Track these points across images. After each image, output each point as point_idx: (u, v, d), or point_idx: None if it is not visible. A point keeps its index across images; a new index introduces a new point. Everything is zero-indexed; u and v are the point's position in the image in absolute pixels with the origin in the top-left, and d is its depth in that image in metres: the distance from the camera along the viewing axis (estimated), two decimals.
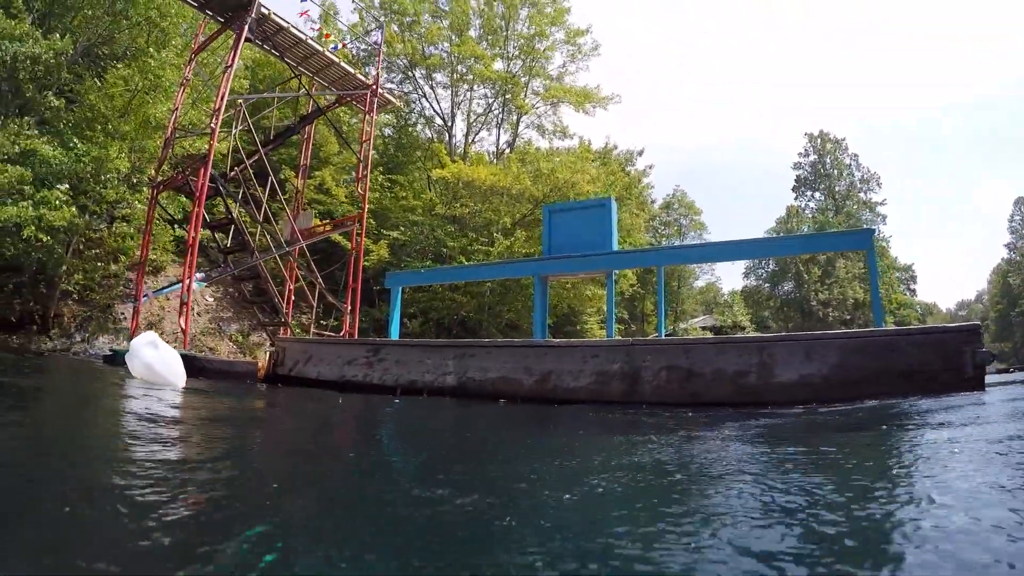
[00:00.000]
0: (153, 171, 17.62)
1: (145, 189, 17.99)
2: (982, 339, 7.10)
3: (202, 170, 14.02)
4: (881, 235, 67.49)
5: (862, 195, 69.14)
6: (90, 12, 18.97)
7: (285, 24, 16.15)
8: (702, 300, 65.48)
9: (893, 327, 8.87)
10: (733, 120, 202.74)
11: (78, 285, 18.38)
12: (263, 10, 15.44)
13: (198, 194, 13.97)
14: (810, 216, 67.28)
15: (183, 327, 13.59)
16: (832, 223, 63.14)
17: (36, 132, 16.22)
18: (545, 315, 13.19)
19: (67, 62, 17.66)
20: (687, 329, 54.04)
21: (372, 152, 20.08)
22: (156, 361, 7.44)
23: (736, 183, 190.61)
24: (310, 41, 17.03)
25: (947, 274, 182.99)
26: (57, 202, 15.37)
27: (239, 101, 17.44)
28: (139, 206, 18.16)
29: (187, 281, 13.79)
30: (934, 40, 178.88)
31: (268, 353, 13.00)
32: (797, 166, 71.11)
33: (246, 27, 15.03)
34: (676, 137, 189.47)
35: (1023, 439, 3.67)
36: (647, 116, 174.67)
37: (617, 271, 17.10)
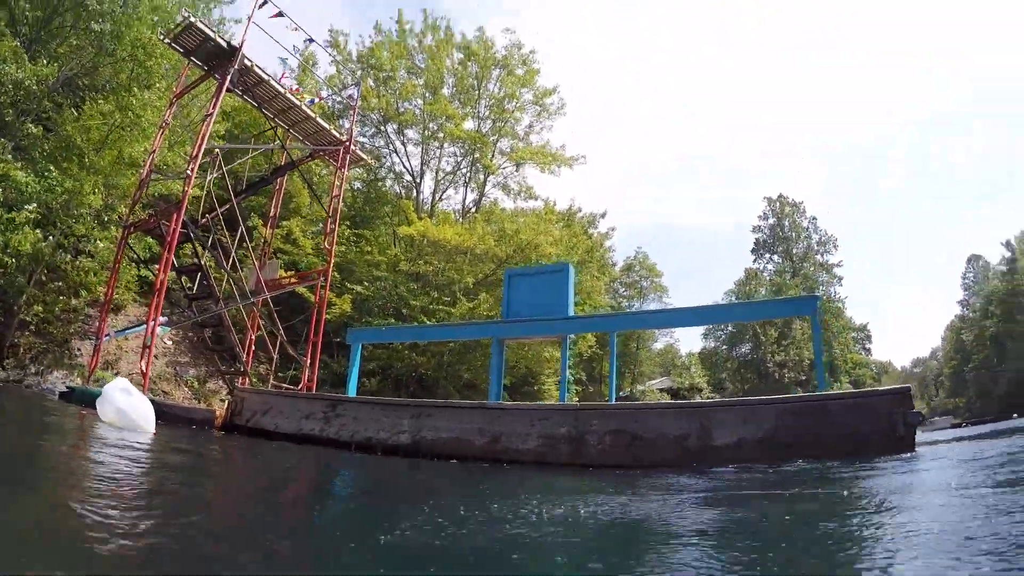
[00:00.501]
0: (125, 210, 17.72)
1: (113, 228, 17.96)
2: (912, 401, 7.56)
3: (175, 215, 14.27)
4: (837, 296, 69.32)
5: (819, 257, 71.14)
6: (75, 42, 19.01)
7: (266, 77, 16.71)
8: (660, 362, 65.98)
9: (826, 392, 9.32)
10: (688, 137, 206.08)
11: (36, 317, 17.90)
12: (246, 62, 16.01)
13: (169, 239, 14.21)
14: (768, 279, 69.11)
15: (143, 370, 13.63)
16: (789, 284, 64.64)
17: (10, 157, 16.02)
18: (501, 377, 13.50)
19: (48, 90, 17.61)
20: (644, 391, 54.48)
21: (341, 205, 20.43)
22: (128, 407, 7.67)
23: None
24: (288, 95, 17.59)
25: (902, 331, 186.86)
26: (24, 224, 15.19)
27: (216, 150, 17.75)
28: (102, 244, 17.83)
29: (151, 324, 13.87)
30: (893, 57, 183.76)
31: (226, 402, 13.06)
32: (756, 229, 73.41)
33: (228, 77, 15.54)
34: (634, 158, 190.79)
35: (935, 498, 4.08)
36: (602, 133, 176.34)
37: (572, 335, 17.55)
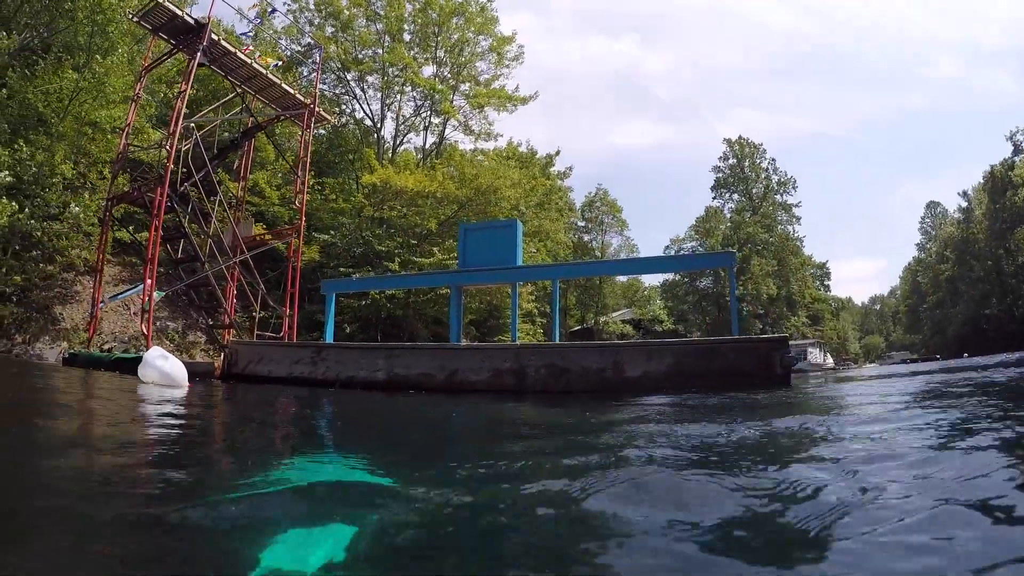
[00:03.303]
0: (96, 176, 18.57)
1: (87, 195, 18.76)
2: (789, 347, 9.32)
3: (159, 189, 15.49)
4: (796, 235, 72.50)
5: (778, 197, 73.39)
6: (27, 8, 19.12)
7: (232, 49, 17.69)
8: (624, 294, 67.95)
9: (719, 338, 11.06)
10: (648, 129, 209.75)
11: (16, 287, 18.32)
12: (213, 36, 17.01)
13: (155, 211, 15.43)
14: (727, 216, 71.23)
15: (145, 332, 15.04)
16: (748, 223, 67.13)
17: None
18: (460, 319, 15.12)
19: (8, 61, 17.96)
20: (607, 322, 56.50)
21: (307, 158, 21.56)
22: (169, 369, 9.39)
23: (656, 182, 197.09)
24: (254, 64, 18.62)
25: (864, 272, 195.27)
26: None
27: (191, 124, 18.67)
28: (77, 209, 18.10)
29: (145, 287, 15.17)
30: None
31: (211, 353, 14.46)
32: (716, 169, 75.00)
33: (199, 53, 16.53)
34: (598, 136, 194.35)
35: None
36: (567, 113, 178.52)
37: (520, 282, 19.20)
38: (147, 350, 11.14)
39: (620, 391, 9.08)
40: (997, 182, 71.60)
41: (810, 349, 57.93)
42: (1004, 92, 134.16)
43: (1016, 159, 67.19)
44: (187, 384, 9.60)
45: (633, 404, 7.35)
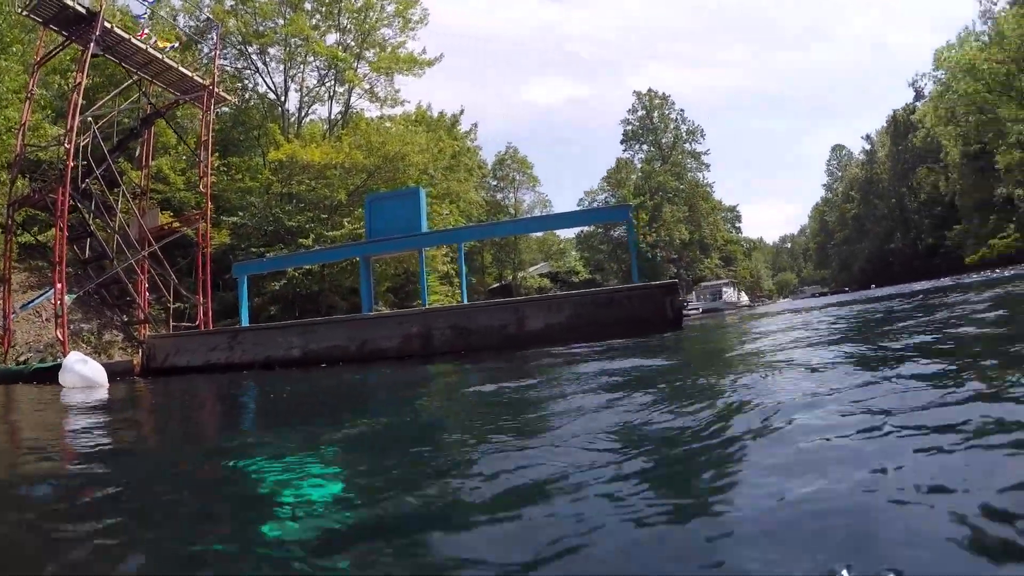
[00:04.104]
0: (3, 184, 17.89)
1: None
2: (679, 292, 9.93)
3: (60, 189, 15.12)
4: (706, 181, 75.89)
5: (687, 146, 75.89)
6: None
7: (127, 36, 17.21)
8: (540, 249, 68.71)
9: (614, 287, 11.66)
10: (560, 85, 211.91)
11: None
12: (106, 24, 16.48)
13: (58, 212, 15.08)
14: (638, 166, 73.06)
15: (60, 337, 14.80)
16: (659, 171, 69.20)
17: None
18: (371, 289, 15.43)
19: None
20: (524, 278, 57.25)
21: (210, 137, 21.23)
22: (89, 372, 9.71)
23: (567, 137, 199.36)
24: (150, 49, 18.15)
25: (776, 212, 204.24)
26: None
27: (89, 118, 18.03)
28: None
29: (55, 291, 14.83)
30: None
31: (129, 350, 14.32)
32: (625, 122, 76.78)
33: (92, 43, 16.03)
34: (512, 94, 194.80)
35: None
36: (483, 74, 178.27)
37: (428, 248, 19.55)
38: (64, 356, 11.13)
39: (525, 345, 9.57)
40: (899, 126, 77.57)
41: (725, 289, 60.44)
42: (915, 45, 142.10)
43: (917, 104, 70.76)
44: (107, 384, 9.84)
45: (533, 356, 7.84)
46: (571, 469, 2.12)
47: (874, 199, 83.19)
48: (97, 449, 4.10)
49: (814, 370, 3.97)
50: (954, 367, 3.58)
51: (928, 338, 5.41)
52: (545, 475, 2.08)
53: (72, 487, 2.75)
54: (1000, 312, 7.25)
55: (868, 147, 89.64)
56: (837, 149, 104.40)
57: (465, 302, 14.77)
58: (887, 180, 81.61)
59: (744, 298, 66.26)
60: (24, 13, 16.86)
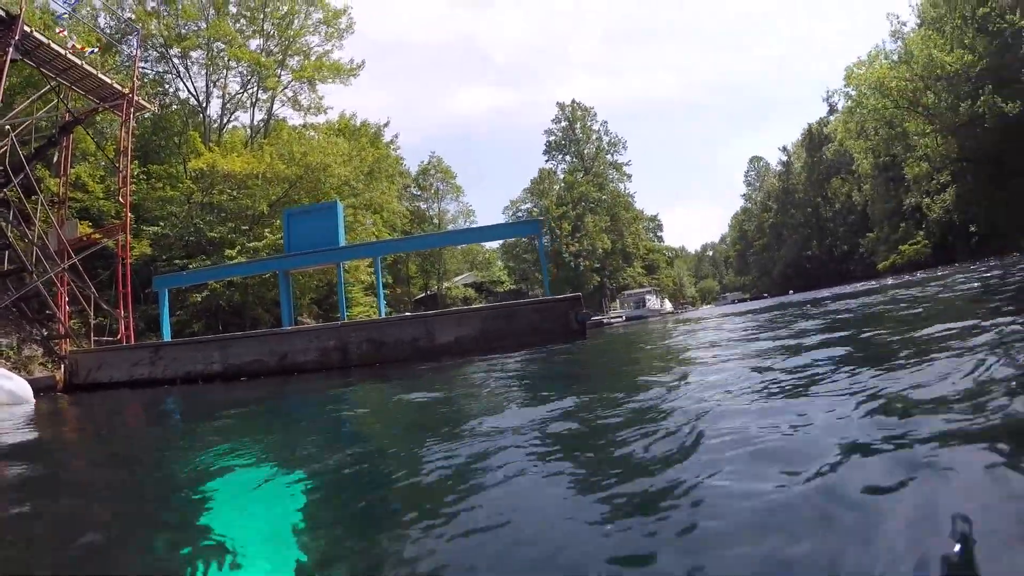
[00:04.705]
0: None
1: None
2: (582, 305, 10.64)
3: None
4: (627, 191, 77.77)
5: (610, 157, 77.89)
6: None
7: (46, 41, 17.02)
8: (465, 259, 68.96)
9: (518, 301, 12.38)
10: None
11: None
12: (25, 28, 16.26)
13: None
14: (560, 177, 74.39)
15: None
16: (580, 182, 70.55)
17: None
18: (290, 304, 15.79)
19: None
20: (449, 288, 57.54)
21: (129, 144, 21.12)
22: (14, 388, 9.78)
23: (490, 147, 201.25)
24: (70, 55, 17.88)
25: (697, 222, 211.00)
26: None
27: (7, 128, 17.75)
28: None
29: None
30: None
31: (50, 366, 14.23)
32: (549, 132, 78.34)
33: (11, 48, 15.79)
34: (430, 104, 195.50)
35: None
36: (403, 82, 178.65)
37: (345, 262, 19.98)
38: None
39: (436, 357, 10.12)
40: (814, 138, 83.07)
41: (648, 297, 61.71)
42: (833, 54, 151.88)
43: (831, 118, 75.68)
44: (33, 400, 9.99)
45: (444, 368, 8.38)
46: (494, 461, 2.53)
47: (791, 208, 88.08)
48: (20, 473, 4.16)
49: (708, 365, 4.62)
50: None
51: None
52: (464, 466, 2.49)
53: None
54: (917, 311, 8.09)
55: (785, 158, 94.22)
56: (755, 160, 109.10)
57: (383, 315, 15.25)
58: (803, 190, 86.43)
59: (668, 305, 68.03)
60: None
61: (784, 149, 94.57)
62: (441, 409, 4.72)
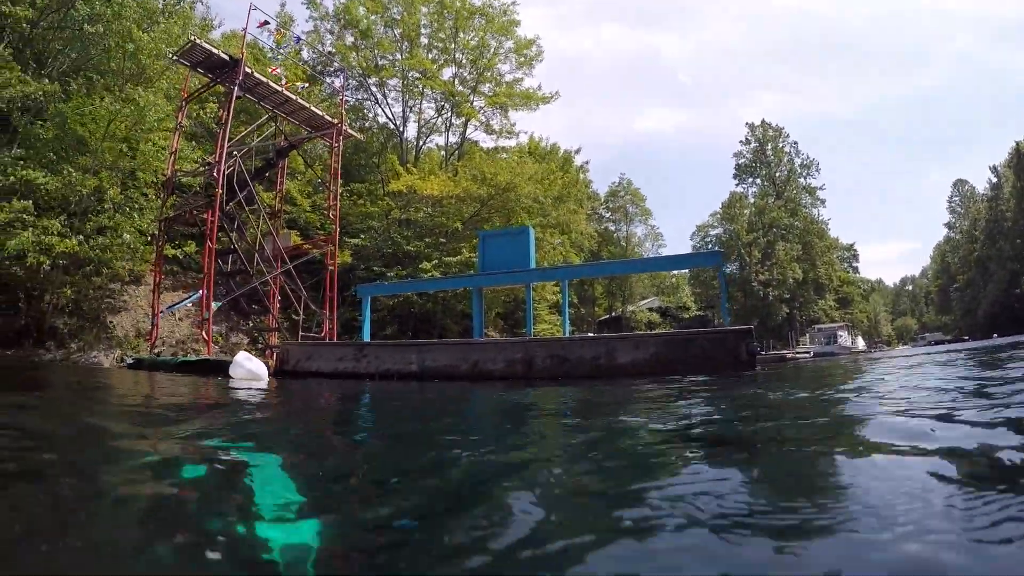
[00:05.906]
0: (143, 198, 20.43)
1: (136, 216, 19.92)
2: (753, 337, 10.75)
3: (209, 213, 17.60)
4: (821, 218, 72.18)
5: (802, 180, 73.03)
6: (60, 45, 21.01)
7: (265, 80, 19.54)
8: (652, 283, 68.74)
9: (695, 330, 12.55)
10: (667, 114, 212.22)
11: (69, 299, 19.73)
12: (247, 69, 18.83)
13: (208, 231, 17.47)
14: (751, 201, 71.45)
15: (205, 337, 17.07)
16: (772, 207, 67.32)
17: (23, 163, 17.57)
18: (482, 318, 16.80)
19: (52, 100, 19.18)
20: (634, 311, 57.67)
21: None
22: (254, 368, 11.72)
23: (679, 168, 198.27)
24: (285, 91, 20.45)
25: (895, 254, 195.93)
26: (57, 231, 16.99)
27: (234, 152, 20.42)
28: (129, 236, 19.26)
29: (200, 296, 17.24)
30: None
31: (274, 354, 16.30)
32: (738, 155, 75.08)
33: (236, 87, 18.40)
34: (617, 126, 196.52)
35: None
36: (585, 101, 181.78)
37: (534, 283, 21.02)
38: (208, 355, 13.14)
39: (613, 376, 10.63)
40: (1023, 158, 68.84)
41: (840, 332, 57.24)
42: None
43: None
44: (267, 378, 11.76)
45: (622, 385, 8.87)
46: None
47: (999, 239, 73.94)
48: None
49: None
50: None
51: None
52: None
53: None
54: None
55: (994, 179, 79.29)
56: (959, 184, 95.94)
57: (567, 334, 16.11)
58: (1012, 219, 71.77)
59: (860, 343, 62.26)
60: (174, 59, 19.31)
61: (994, 169, 79.59)
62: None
